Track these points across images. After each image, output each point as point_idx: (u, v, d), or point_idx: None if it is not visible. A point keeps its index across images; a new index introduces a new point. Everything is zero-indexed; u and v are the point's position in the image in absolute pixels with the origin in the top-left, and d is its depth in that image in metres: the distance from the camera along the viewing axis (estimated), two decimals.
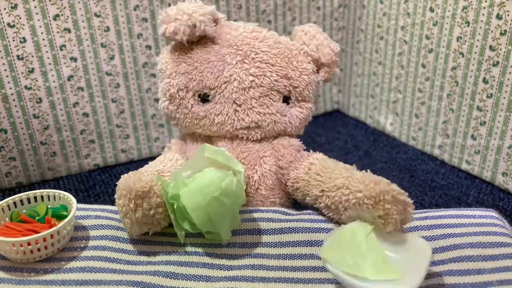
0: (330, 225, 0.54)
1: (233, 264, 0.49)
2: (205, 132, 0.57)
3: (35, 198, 0.54)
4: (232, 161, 0.53)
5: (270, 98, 0.55)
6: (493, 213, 0.54)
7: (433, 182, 0.75)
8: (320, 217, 0.55)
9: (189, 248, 0.52)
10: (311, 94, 0.58)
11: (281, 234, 0.53)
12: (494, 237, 0.49)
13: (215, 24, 0.55)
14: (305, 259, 0.50)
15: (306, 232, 0.53)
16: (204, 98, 0.55)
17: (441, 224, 0.53)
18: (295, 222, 0.54)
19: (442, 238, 0.51)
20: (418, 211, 0.57)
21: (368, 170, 0.52)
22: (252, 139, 0.57)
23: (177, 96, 0.55)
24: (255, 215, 0.55)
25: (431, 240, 0.51)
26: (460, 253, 0.48)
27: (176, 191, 0.50)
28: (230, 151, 0.56)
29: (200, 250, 0.51)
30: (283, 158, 0.57)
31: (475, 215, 0.53)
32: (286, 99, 0.57)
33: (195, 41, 0.55)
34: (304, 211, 0.57)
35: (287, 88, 0.56)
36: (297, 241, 0.52)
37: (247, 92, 0.54)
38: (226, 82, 0.54)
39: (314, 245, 0.51)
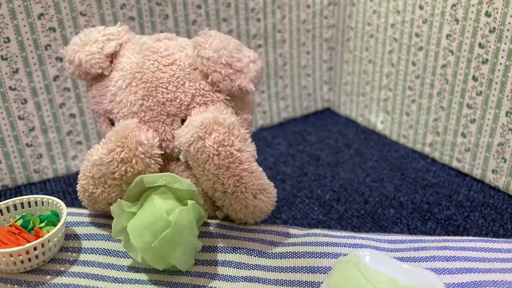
0: (336, 249, 0.50)
1: (226, 286, 0.47)
2: None
3: (29, 203, 0.53)
4: (177, 183, 0.49)
5: (163, 123, 0.51)
6: None
7: (424, 180, 0.75)
8: (326, 240, 0.52)
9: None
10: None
11: (281, 258, 0.50)
12: None
13: (120, 45, 0.54)
14: (305, 286, 0.47)
15: (308, 258, 0.50)
16: (112, 122, 0.54)
17: (462, 256, 0.47)
18: (298, 246, 0.51)
19: (461, 273, 0.46)
20: (437, 238, 0.52)
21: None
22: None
23: (97, 119, 0.57)
24: (257, 235, 0.52)
25: (448, 274, 0.46)
26: None
27: (121, 225, 0.48)
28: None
29: (192, 270, 0.49)
30: None
31: (502, 248, 0.49)
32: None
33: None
34: (310, 232, 0.54)
35: (181, 111, 0.51)
36: (298, 266, 0.49)
37: (136, 114, 0.51)
38: (119, 106, 0.52)
39: (316, 272, 0.48)
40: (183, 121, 0.52)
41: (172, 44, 0.54)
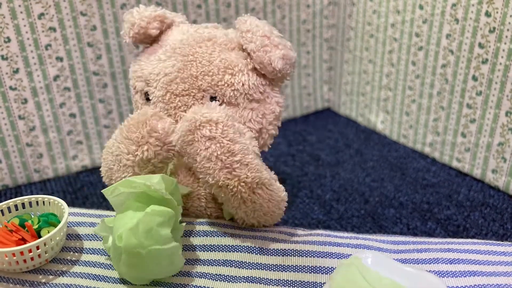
0: (339, 250, 0.50)
1: (227, 287, 0.47)
2: None
3: (30, 203, 0.53)
4: (149, 180, 0.47)
5: (193, 97, 0.52)
6: None
7: (424, 180, 0.75)
8: (329, 239, 0.51)
9: (181, 268, 0.49)
10: (238, 97, 0.52)
11: (283, 256, 0.50)
12: None
13: (165, 27, 0.57)
14: (307, 287, 0.46)
15: (310, 257, 0.49)
16: (147, 98, 0.55)
17: (466, 259, 0.47)
18: (301, 244, 0.51)
19: (465, 276, 0.45)
20: (441, 240, 0.52)
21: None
22: None
23: (134, 98, 0.57)
24: (258, 233, 0.52)
25: (452, 277, 0.45)
26: None
27: (107, 244, 0.48)
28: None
29: (193, 270, 0.49)
30: None
31: (507, 251, 0.48)
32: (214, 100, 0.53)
33: (150, 44, 0.57)
34: (313, 232, 0.54)
35: (211, 87, 0.52)
36: (300, 266, 0.48)
37: (169, 86, 0.52)
38: (156, 78, 0.54)
39: (318, 272, 0.48)
40: (212, 98, 0.52)
41: (216, 30, 0.56)
